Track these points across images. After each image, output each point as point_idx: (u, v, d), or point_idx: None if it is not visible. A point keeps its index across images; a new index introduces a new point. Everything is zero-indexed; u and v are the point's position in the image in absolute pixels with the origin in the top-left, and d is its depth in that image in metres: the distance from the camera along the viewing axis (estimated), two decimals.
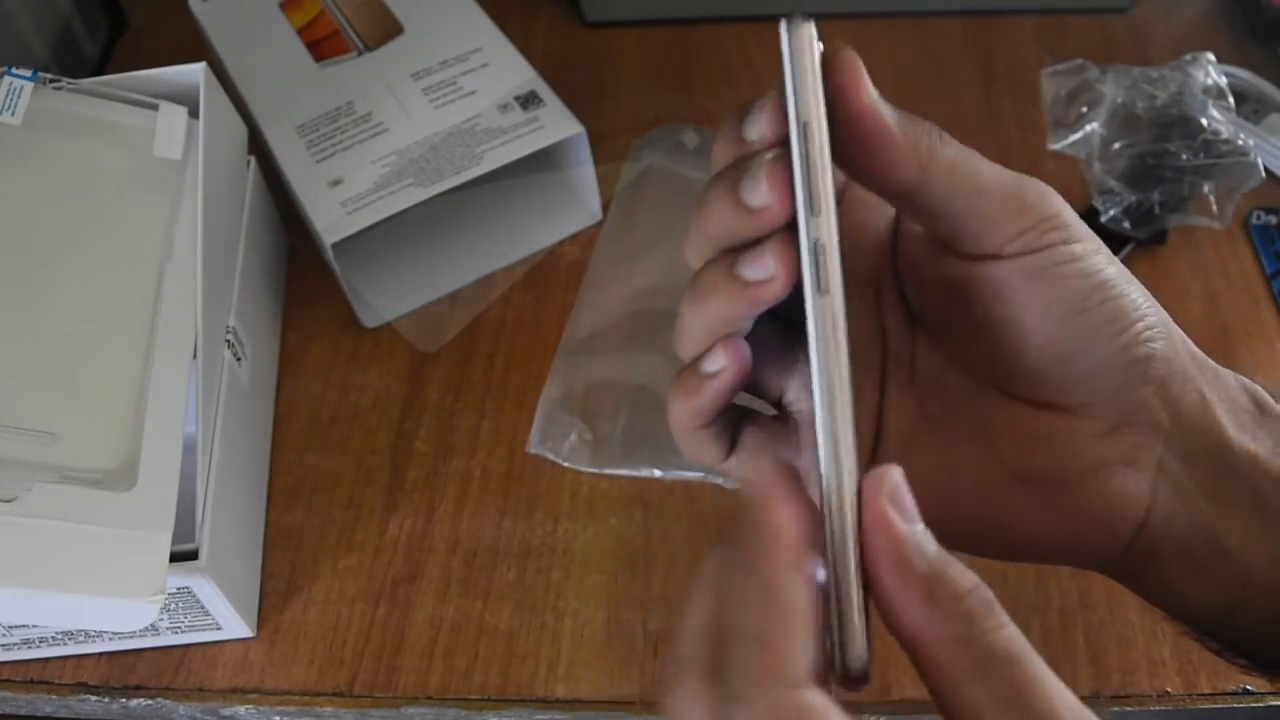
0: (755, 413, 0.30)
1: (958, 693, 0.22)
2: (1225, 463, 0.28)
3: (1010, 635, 0.22)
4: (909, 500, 0.23)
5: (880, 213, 0.30)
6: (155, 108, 0.52)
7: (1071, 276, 0.27)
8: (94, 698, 0.47)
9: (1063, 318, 0.27)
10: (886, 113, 0.26)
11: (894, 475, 0.23)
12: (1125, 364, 0.27)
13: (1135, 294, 0.28)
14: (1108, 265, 0.27)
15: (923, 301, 0.30)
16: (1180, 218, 0.58)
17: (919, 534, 0.23)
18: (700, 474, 0.51)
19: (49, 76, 0.50)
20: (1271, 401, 0.29)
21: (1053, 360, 0.27)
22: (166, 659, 0.48)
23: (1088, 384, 0.27)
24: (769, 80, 0.67)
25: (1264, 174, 0.56)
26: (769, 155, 0.24)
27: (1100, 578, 0.48)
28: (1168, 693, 0.45)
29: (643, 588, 0.49)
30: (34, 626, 0.45)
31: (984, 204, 0.27)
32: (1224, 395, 0.29)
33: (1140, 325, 0.27)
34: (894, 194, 0.27)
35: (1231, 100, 0.59)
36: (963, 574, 0.23)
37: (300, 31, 0.63)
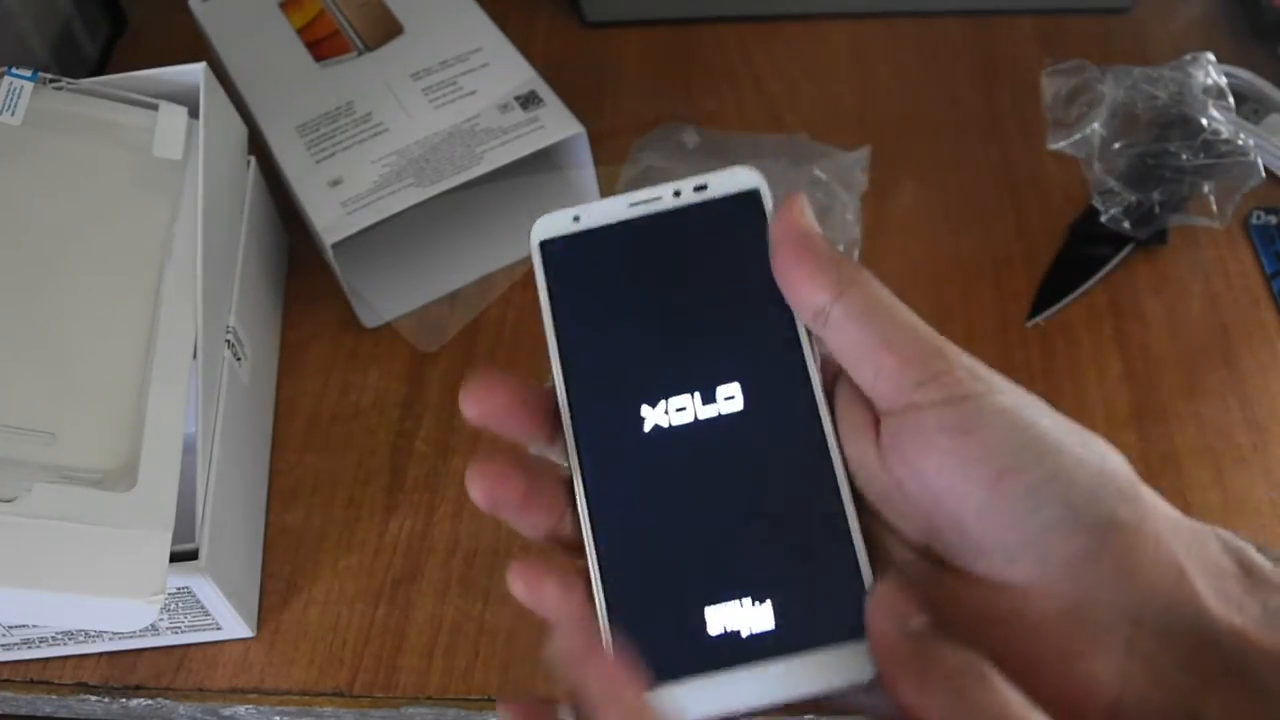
0: None
1: None
2: (1206, 639, 0.24)
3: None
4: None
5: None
6: (155, 108, 0.52)
7: (999, 429, 0.24)
8: (94, 698, 0.47)
9: (996, 477, 0.24)
10: (818, 238, 0.27)
11: None
12: (1076, 530, 0.24)
13: (1083, 449, 0.25)
14: (1042, 417, 0.25)
15: (860, 473, 0.27)
16: (1180, 218, 0.58)
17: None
18: None
19: (49, 76, 0.50)
20: (1260, 561, 0.26)
21: (993, 528, 0.25)
22: (166, 659, 0.48)
23: (1036, 555, 0.24)
24: (769, 80, 0.67)
25: (1264, 174, 0.56)
26: None
27: None
28: None
29: None
30: (34, 626, 0.45)
31: (897, 337, 0.26)
32: (1204, 561, 0.25)
33: (1092, 485, 0.24)
34: (811, 311, 0.27)
35: (1231, 100, 0.59)
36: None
37: (300, 31, 0.63)
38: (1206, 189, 0.57)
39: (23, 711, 0.49)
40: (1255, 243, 0.58)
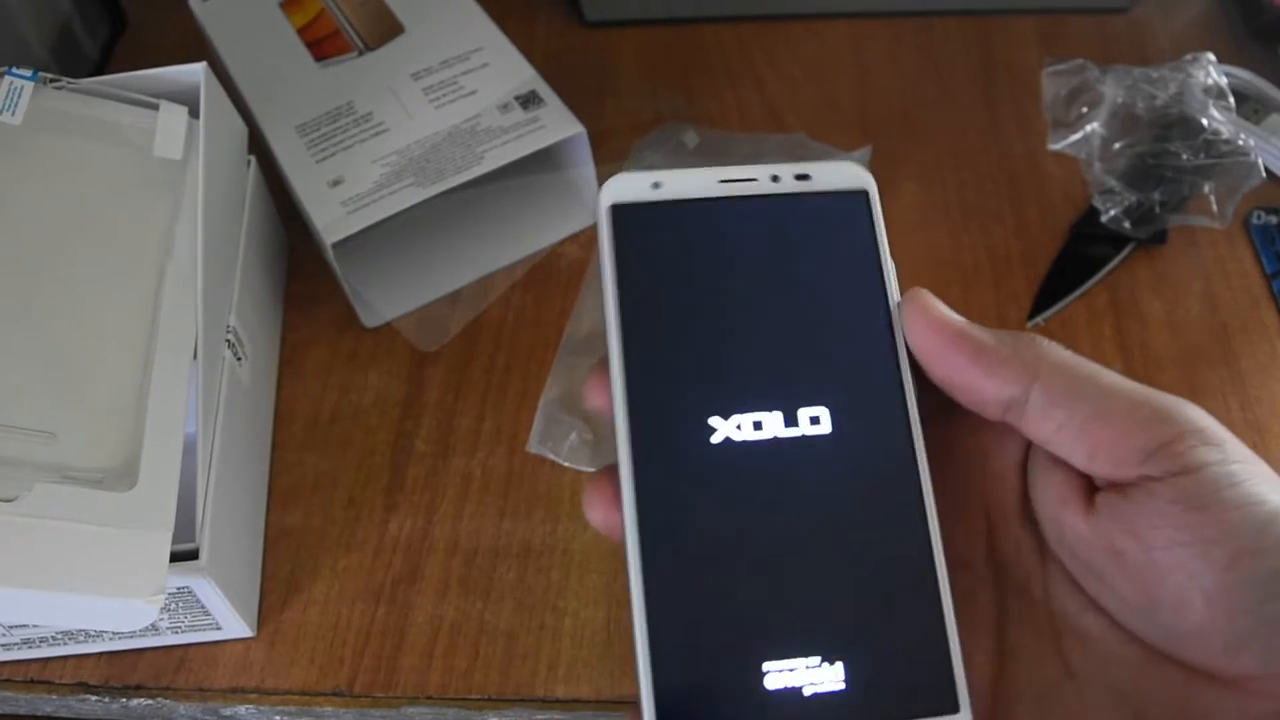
0: None
1: None
2: None
3: None
4: None
5: (1006, 438, 0.27)
6: (155, 107, 0.52)
7: (1237, 505, 0.22)
8: (94, 698, 0.47)
9: (1232, 559, 0.22)
10: (974, 327, 0.25)
11: None
12: None
13: None
14: (1275, 493, 0.23)
15: (1061, 540, 0.26)
16: (1180, 218, 0.58)
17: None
18: None
19: (49, 76, 0.50)
20: None
21: (1222, 613, 0.23)
22: (166, 659, 0.48)
23: (1263, 648, 0.22)
24: (769, 80, 0.67)
25: (1264, 174, 0.56)
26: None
27: None
28: None
29: None
30: (34, 626, 0.45)
31: (1111, 408, 0.24)
32: None
33: None
34: (1002, 407, 0.25)
35: (1231, 100, 0.59)
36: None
37: (300, 31, 0.63)
38: (1207, 189, 0.57)
39: (23, 711, 0.49)
40: (1255, 243, 0.58)
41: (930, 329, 0.25)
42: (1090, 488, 0.25)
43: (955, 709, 0.23)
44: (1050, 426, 0.24)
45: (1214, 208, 0.57)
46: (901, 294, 0.26)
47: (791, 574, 0.24)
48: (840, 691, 0.23)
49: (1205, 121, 0.57)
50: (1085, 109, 0.61)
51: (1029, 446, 0.27)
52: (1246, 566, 0.22)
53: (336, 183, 0.55)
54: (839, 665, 0.23)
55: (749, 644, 0.23)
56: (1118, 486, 0.24)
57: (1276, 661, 0.22)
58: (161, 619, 0.46)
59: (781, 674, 0.23)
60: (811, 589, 0.24)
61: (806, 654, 0.23)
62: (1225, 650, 0.23)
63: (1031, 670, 0.25)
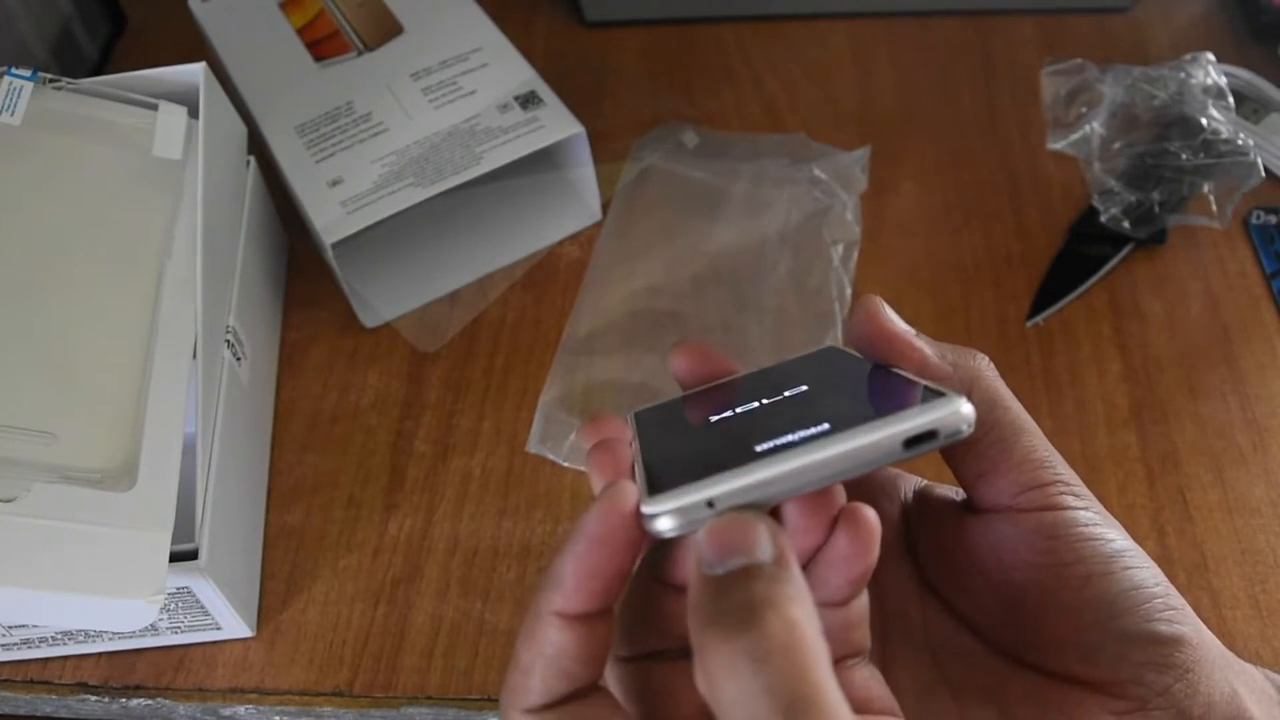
0: None
1: None
2: None
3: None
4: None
5: (900, 478, 0.31)
6: (155, 108, 0.52)
7: (1092, 539, 0.26)
8: (94, 698, 0.47)
9: (1083, 581, 0.26)
10: (921, 341, 0.27)
11: None
12: (1150, 641, 0.26)
13: (1154, 569, 0.27)
14: (1121, 537, 0.27)
15: (937, 567, 0.29)
16: (1180, 218, 0.58)
17: None
18: None
19: (49, 76, 0.50)
20: None
21: (1075, 627, 0.26)
22: (166, 659, 0.48)
23: (1111, 658, 0.26)
24: (769, 80, 0.67)
25: (1264, 174, 0.56)
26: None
27: None
28: None
29: None
30: (34, 626, 0.45)
31: (1012, 440, 0.27)
32: (1251, 687, 0.27)
33: (1161, 603, 0.26)
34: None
35: (1231, 100, 0.59)
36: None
37: (300, 31, 0.63)
38: (1206, 189, 0.57)
39: (23, 711, 0.49)
40: (1255, 243, 0.58)
41: (881, 335, 0.27)
42: (962, 514, 0.28)
43: None
44: (959, 452, 0.27)
45: (1213, 207, 0.57)
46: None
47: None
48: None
49: (1205, 121, 0.57)
50: (1085, 109, 0.61)
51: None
52: (1096, 587, 0.26)
53: (336, 183, 0.55)
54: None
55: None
56: (986, 512, 0.27)
57: (1125, 669, 0.25)
58: (161, 619, 0.46)
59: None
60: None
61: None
62: (1080, 660, 0.26)
63: (910, 674, 0.28)
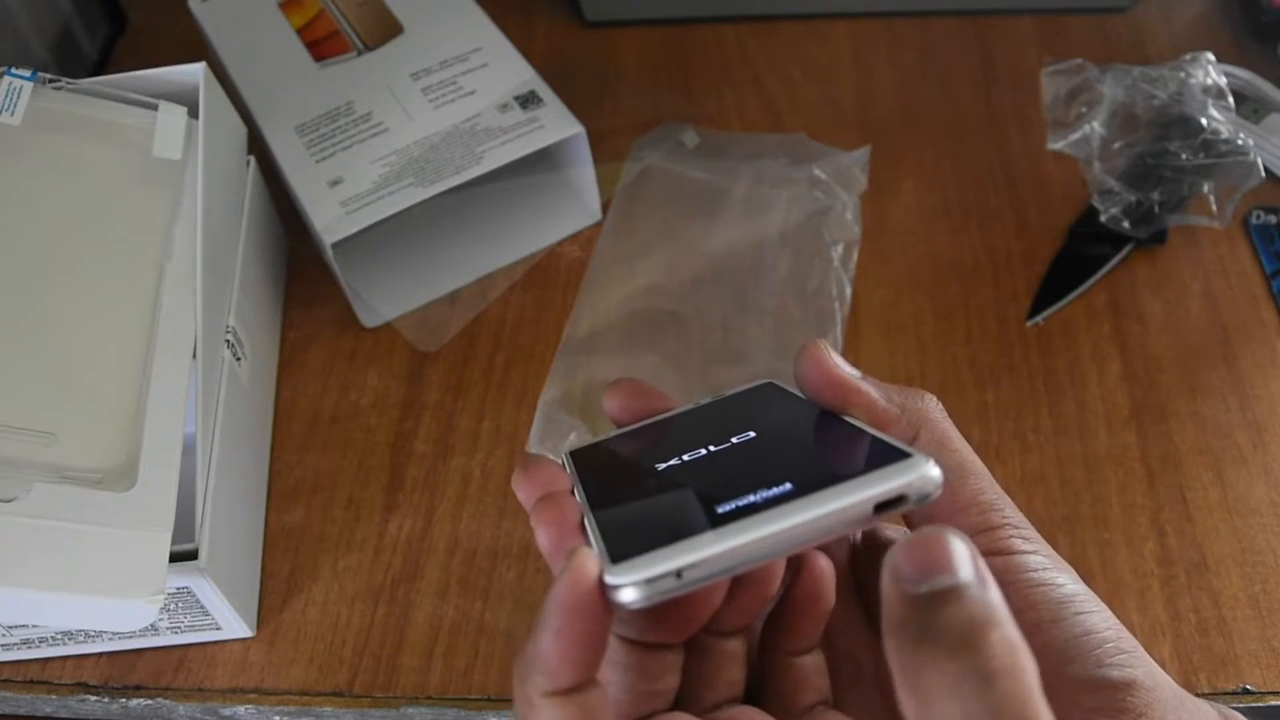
0: None
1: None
2: None
3: None
4: None
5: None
6: (155, 107, 0.52)
7: (1042, 584, 0.26)
8: (94, 698, 0.47)
9: (1034, 626, 0.26)
10: (867, 384, 0.27)
11: None
12: (1102, 686, 0.26)
13: (1105, 613, 0.27)
14: (1070, 581, 0.27)
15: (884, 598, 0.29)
16: (1180, 218, 0.58)
17: None
18: None
19: (49, 76, 0.50)
20: None
21: None
22: (166, 659, 0.48)
23: (1064, 705, 0.25)
24: (769, 80, 0.67)
25: (1264, 174, 0.56)
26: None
27: (1100, 577, 0.48)
28: None
29: None
30: (34, 626, 0.45)
31: (960, 479, 0.27)
32: None
33: (1113, 647, 0.26)
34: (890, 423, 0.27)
35: (1231, 100, 0.59)
36: None
37: (300, 31, 0.63)
38: (1206, 189, 0.57)
39: (23, 711, 0.49)
40: (1255, 243, 0.58)
41: (829, 382, 0.27)
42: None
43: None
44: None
45: (1213, 207, 0.57)
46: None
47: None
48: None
49: (1204, 121, 0.57)
50: (1085, 109, 0.61)
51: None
52: (1047, 634, 0.26)
53: (336, 183, 0.55)
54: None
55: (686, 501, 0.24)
56: None
57: (1078, 715, 0.25)
58: (161, 619, 0.46)
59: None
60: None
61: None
62: None
63: (864, 718, 0.28)
